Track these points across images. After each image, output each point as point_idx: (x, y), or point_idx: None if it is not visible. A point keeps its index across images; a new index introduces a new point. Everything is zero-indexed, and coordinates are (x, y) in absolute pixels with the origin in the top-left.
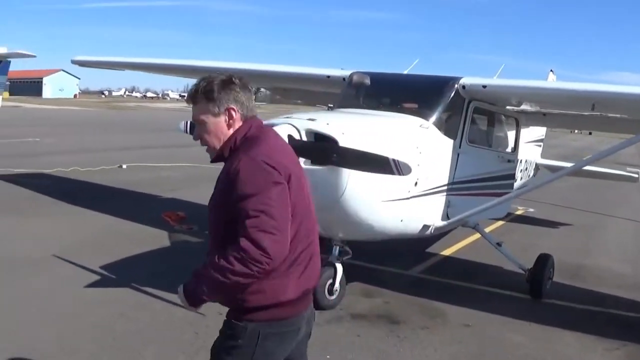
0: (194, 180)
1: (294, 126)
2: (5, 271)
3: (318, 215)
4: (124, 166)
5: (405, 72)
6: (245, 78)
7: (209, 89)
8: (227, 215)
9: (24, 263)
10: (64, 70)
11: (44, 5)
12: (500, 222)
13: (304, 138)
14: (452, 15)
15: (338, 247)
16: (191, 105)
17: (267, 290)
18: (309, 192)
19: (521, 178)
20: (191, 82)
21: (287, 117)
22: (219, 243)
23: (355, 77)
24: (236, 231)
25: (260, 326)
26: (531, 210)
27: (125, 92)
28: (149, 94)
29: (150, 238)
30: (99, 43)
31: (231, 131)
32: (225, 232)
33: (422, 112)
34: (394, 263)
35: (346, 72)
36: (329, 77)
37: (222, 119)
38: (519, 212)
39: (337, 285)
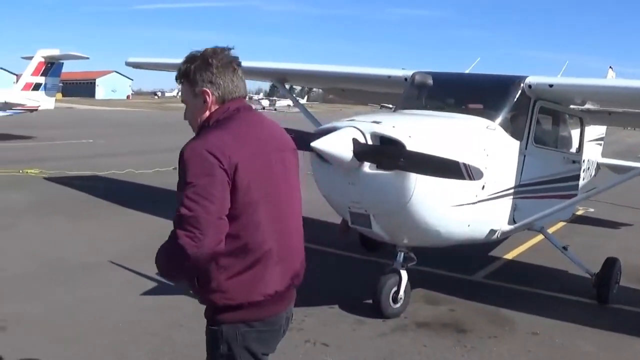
0: None
1: (358, 129)
2: (61, 276)
3: (382, 220)
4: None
5: (467, 71)
6: (234, 58)
7: (187, 71)
8: None
9: (80, 268)
10: (116, 72)
11: (96, 7)
12: (561, 223)
13: (369, 141)
14: (505, 11)
15: (403, 253)
16: None
17: (233, 288)
18: (287, 183)
19: (584, 178)
20: (265, 86)
21: (351, 120)
22: None
23: (417, 77)
24: None
25: (236, 327)
26: (591, 210)
27: (177, 93)
28: None
29: None
30: (151, 44)
31: (207, 113)
32: None
33: (487, 112)
34: (456, 268)
35: (408, 72)
36: (389, 77)
37: (200, 100)
38: (579, 213)
39: (401, 293)
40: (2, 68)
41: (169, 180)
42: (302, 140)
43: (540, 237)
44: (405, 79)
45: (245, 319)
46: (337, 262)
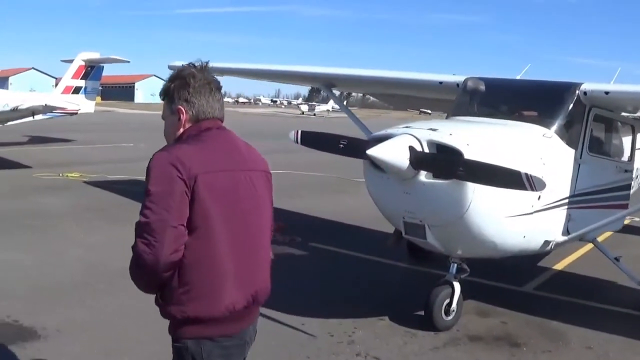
0: (294, 188)
1: (415, 137)
2: (104, 283)
3: (438, 231)
4: None
5: (518, 77)
6: (213, 79)
7: (166, 88)
8: None
9: (122, 275)
10: (155, 76)
11: (136, 11)
12: (608, 233)
13: (426, 149)
14: (549, 17)
15: (456, 265)
16: None
17: (191, 302)
18: (253, 202)
19: (633, 187)
20: (283, 87)
21: (407, 127)
22: None
23: (469, 83)
24: None
25: (201, 343)
26: (637, 219)
27: None
28: (241, 100)
29: None
30: (190, 48)
31: (181, 130)
32: None
33: (543, 120)
34: (505, 278)
35: (460, 78)
36: (441, 83)
37: (175, 117)
38: (626, 222)
39: (454, 305)
40: (41, 71)
41: None
42: (356, 147)
43: (587, 246)
44: (457, 85)
45: (208, 335)
46: (385, 271)
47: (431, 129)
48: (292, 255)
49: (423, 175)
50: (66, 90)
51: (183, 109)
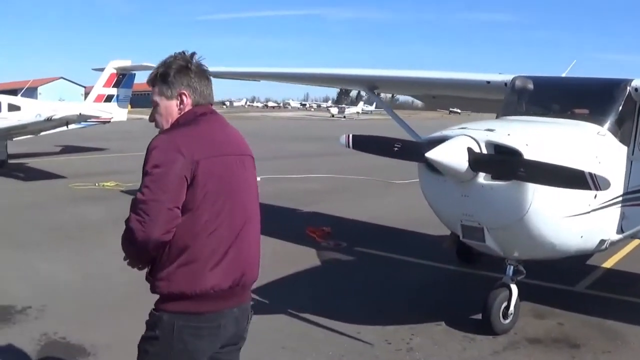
0: (335, 192)
1: (472, 138)
2: (151, 295)
3: (497, 233)
4: (259, 178)
5: (563, 74)
6: (204, 65)
7: (166, 73)
8: None
9: None
10: None
11: (163, 17)
12: None
13: (484, 150)
14: (586, 14)
15: (512, 267)
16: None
17: (178, 278)
18: (246, 185)
19: None
20: (311, 90)
21: (463, 128)
22: None
23: (518, 82)
24: None
25: (175, 317)
26: None
27: (246, 102)
28: (270, 104)
29: (298, 256)
30: (219, 53)
31: (177, 115)
32: None
33: (595, 118)
34: (556, 278)
35: (507, 77)
36: (489, 82)
37: (174, 102)
38: None
39: (512, 308)
40: (69, 80)
41: None
42: (411, 150)
43: (634, 244)
44: (505, 84)
45: (184, 310)
46: (434, 274)
47: (488, 130)
48: (340, 261)
49: (482, 177)
50: (98, 99)
51: (187, 93)
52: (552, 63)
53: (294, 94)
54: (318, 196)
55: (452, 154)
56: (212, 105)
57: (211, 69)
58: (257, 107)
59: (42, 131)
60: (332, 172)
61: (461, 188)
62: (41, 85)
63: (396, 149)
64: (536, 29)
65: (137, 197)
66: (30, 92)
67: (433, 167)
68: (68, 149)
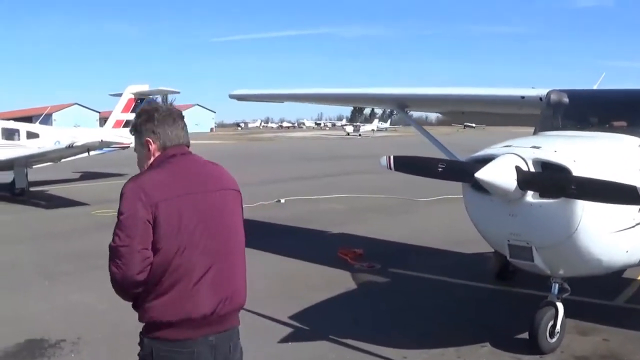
0: (359, 211)
1: (519, 156)
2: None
3: (545, 252)
4: (282, 200)
5: (594, 87)
6: (176, 110)
7: (134, 124)
8: None
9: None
10: (199, 105)
11: (175, 39)
12: None
13: (531, 168)
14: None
15: (558, 285)
16: None
17: (153, 309)
18: (222, 220)
19: None
20: (325, 109)
21: (508, 146)
22: None
23: (553, 96)
24: None
25: (152, 342)
26: None
27: (261, 123)
28: (285, 124)
29: (333, 279)
30: (230, 76)
31: (152, 159)
32: None
33: (633, 130)
34: (594, 293)
35: (542, 91)
36: (523, 97)
37: (145, 149)
38: None
39: (558, 326)
40: (84, 106)
41: (274, 214)
42: (457, 170)
43: None
44: (540, 99)
45: (159, 336)
46: (473, 294)
47: (534, 147)
48: (376, 283)
49: (530, 196)
50: (117, 125)
51: (150, 140)
52: (570, 75)
53: (307, 113)
54: (343, 217)
55: (500, 173)
56: (187, 145)
57: (237, 92)
58: (272, 127)
59: (62, 158)
60: (353, 191)
61: (508, 207)
62: (55, 111)
63: (440, 169)
64: (551, 40)
65: (110, 244)
66: (45, 118)
67: (479, 187)
68: (87, 175)
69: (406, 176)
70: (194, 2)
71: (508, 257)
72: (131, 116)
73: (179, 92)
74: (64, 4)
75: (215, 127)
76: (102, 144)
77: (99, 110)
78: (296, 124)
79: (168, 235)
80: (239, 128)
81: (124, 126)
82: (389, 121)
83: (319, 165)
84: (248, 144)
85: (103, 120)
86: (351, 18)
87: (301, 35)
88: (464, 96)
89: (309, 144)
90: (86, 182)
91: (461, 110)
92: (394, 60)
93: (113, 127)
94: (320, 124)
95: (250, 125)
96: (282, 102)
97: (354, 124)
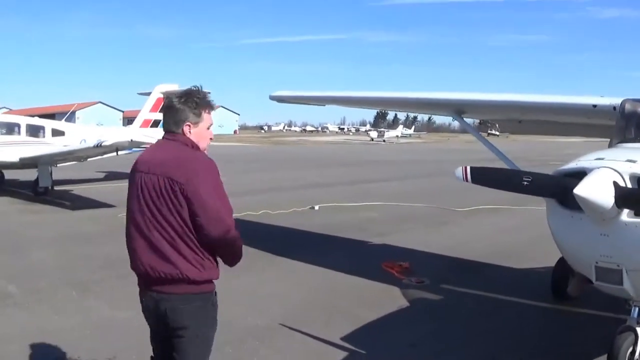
0: (398, 221)
1: (616, 171)
2: (235, 344)
3: (634, 275)
4: (317, 207)
5: None
6: (172, 100)
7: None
8: None
9: (251, 334)
10: (223, 107)
11: (203, 43)
12: None
13: (628, 184)
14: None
15: (638, 308)
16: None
17: None
18: (141, 191)
19: None
20: (348, 114)
21: (600, 159)
22: None
23: (628, 106)
24: None
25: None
26: None
27: (284, 127)
28: (308, 128)
29: (382, 296)
30: (258, 79)
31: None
32: None
33: None
34: None
35: (615, 100)
36: (595, 106)
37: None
38: None
39: (637, 353)
40: (107, 104)
41: (309, 222)
42: (544, 184)
43: None
44: (614, 108)
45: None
46: (533, 314)
47: (630, 161)
48: (429, 301)
49: (625, 214)
50: (145, 124)
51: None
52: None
53: (330, 118)
54: (382, 226)
55: (600, 189)
56: (172, 131)
57: (277, 93)
58: (295, 131)
59: (88, 157)
60: (387, 199)
61: (600, 226)
62: (79, 109)
63: (526, 183)
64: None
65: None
66: (69, 116)
67: (567, 203)
68: (112, 175)
69: (436, 184)
70: (223, 5)
71: (594, 280)
72: (159, 116)
73: (209, 93)
74: (94, 3)
75: (238, 129)
76: (132, 144)
77: (123, 110)
78: (319, 128)
79: (128, 198)
80: (262, 131)
81: (152, 126)
82: (412, 127)
83: (347, 170)
84: (274, 147)
85: (126, 120)
86: (376, 24)
87: (326, 40)
88: (529, 103)
89: (335, 148)
90: (111, 183)
91: (519, 119)
92: (418, 66)
93: (141, 126)
94: (343, 128)
95: (273, 129)
96: (324, 105)
97: (378, 129)
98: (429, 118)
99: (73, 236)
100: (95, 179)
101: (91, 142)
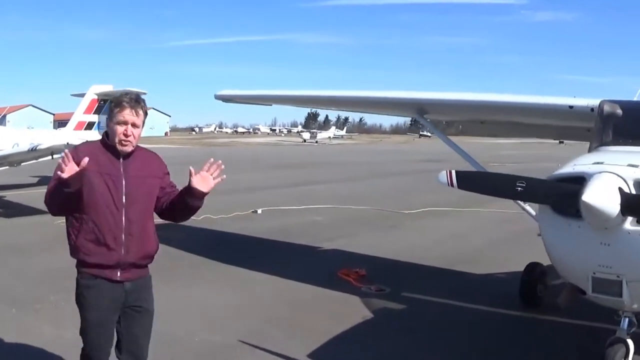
0: (344, 224)
1: (619, 176)
2: None
3: (633, 286)
4: (259, 211)
5: (635, 98)
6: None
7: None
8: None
9: (209, 352)
10: (154, 109)
11: (132, 45)
12: None
13: (632, 190)
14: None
15: (628, 319)
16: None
17: None
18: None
19: None
20: (279, 115)
21: (599, 164)
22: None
23: (607, 107)
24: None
25: None
26: None
27: (215, 128)
28: (240, 129)
29: (342, 307)
30: (188, 80)
31: None
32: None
33: None
34: None
35: (593, 102)
36: (571, 107)
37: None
38: None
39: None
40: (38, 107)
41: (254, 227)
42: (540, 190)
43: None
44: (592, 109)
45: None
46: (505, 323)
47: (631, 165)
48: (392, 311)
49: (628, 223)
50: (78, 126)
51: None
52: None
53: (261, 119)
54: (329, 230)
55: (606, 196)
56: None
57: (223, 92)
58: (226, 132)
59: (22, 162)
60: (330, 201)
61: (600, 235)
62: (10, 112)
63: (520, 189)
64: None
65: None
66: (0, 120)
67: (561, 210)
68: (44, 180)
69: (377, 186)
70: (151, 6)
71: (589, 292)
72: (94, 118)
73: (145, 93)
74: (22, 5)
75: (169, 131)
76: (69, 147)
77: (54, 112)
78: (251, 130)
79: None
80: (193, 132)
81: (86, 128)
82: (345, 128)
83: (286, 173)
84: (206, 149)
85: (57, 122)
86: (308, 25)
87: (258, 41)
88: (499, 103)
89: (268, 150)
90: (45, 188)
91: (485, 119)
92: (349, 68)
93: (75, 128)
94: (275, 129)
95: (204, 130)
96: (270, 104)
97: (311, 130)
98: (360, 119)
99: (8, 247)
100: (28, 184)
101: (25, 146)
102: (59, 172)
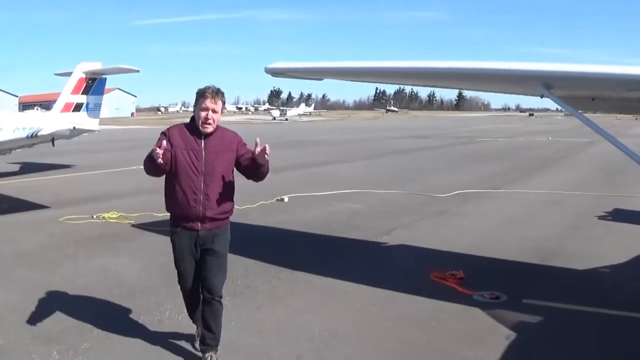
0: (386, 212)
1: None
2: None
3: None
4: (286, 199)
5: None
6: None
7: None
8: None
9: None
10: (119, 89)
11: (92, 24)
12: None
13: None
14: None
15: None
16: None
17: None
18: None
19: None
20: (242, 93)
21: None
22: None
23: None
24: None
25: None
26: None
27: (181, 107)
28: None
29: (472, 323)
30: (151, 60)
31: None
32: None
33: None
34: None
35: None
36: None
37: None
38: None
39: None
40: (3, 90)
41: (288, 218)
42: None
43: None
44: None
45: None
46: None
47: None
48: (535, 328)
49: None
50: (65, 108)
51: None
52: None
53: (227, 98)
54: (376, 220)
55: None
56: None
57: (273, 65)
58: (192, 111)
59: (20, 148)
60: (352, 186)
61: None
62: None
63: None
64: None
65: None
66: None
67: None
68: (28, 167)
69: (384, 166)
70: None
71: None
72: (82, 98)
73: (138, 71)
74: None
75: (135, 111)
76: (74, 132)
77: (18, 95)
78: None
79: None
80: (159, 112)
81: (74, 110)
82: (312, 106)
83: (282, 153)
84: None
85: (22, 105)
86: (268, 2)
87: (218, 20)
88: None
89: (241, 129)
90: (31, 177)
91: (594, 96)
92: (313, 45)
93: (62, 110)
94: (241, 107)
95: (170, 110)
96: (320, 78)
97: (280, 108)
98: (324, 95)
99: (14, 256)
100: (12, 173)
101: (23, 132)
102: (156, 149)
